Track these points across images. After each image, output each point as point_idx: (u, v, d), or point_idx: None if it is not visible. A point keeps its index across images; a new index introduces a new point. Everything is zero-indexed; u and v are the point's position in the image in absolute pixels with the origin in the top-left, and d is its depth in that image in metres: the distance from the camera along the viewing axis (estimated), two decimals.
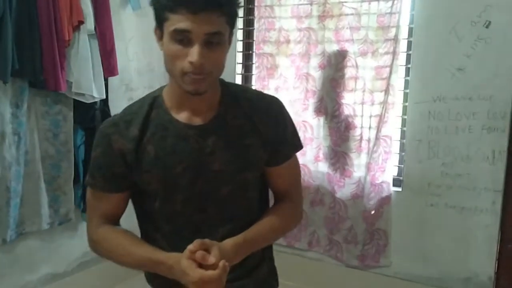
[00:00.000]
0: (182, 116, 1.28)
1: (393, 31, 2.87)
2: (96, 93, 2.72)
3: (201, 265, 1.14)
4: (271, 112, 1.34)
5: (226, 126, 1.29)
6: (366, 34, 2.95)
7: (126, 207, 1.38)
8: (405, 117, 2.97)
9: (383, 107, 2.93)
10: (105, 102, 2.91)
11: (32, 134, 2.59)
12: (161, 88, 1.34)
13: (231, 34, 1.23)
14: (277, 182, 1.41)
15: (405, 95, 2.97)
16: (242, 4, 1.21)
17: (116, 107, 3.07)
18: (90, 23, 2.67)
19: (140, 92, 3.30)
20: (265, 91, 3.21)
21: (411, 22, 2.90)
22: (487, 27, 2.63)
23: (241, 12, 3.46)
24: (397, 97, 2.94)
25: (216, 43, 1.16)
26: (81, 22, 2.62)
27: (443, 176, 2.84)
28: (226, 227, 1.29)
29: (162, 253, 1.23)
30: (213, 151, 1.27)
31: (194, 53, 1.13)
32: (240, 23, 3.48)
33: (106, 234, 1.32)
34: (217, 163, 1.27)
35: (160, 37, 1.21)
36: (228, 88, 1.34)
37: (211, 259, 1.14)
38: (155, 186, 1.28)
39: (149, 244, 1.28)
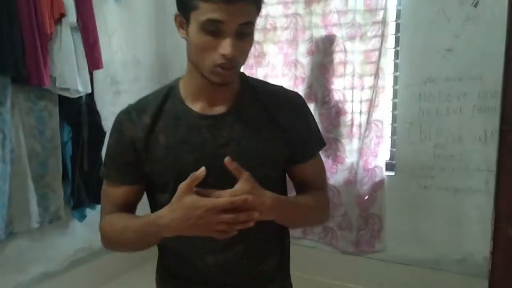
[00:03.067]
0: (197, 106, 1.23)
1: (380, 14, 2.83)
2: (81, 87, 2.66)
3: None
4: (292, 106, 1.29)
5: (243, 117, 1.23)
6: (354, 17, 2.91)
7: (138, 201, 1.32)
8: (396, 100, 2.95)
9: (373, 91, 2.90)
10: (91, 96, 2.85)
11: (17, 132, 2.53)
12: (177, 79, 1.29)
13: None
14: (303, 181, 1.35)
15: (395, 78, 2.95)
16: None
17: (102, 101, 3.03)
18: (72, 16, 2.60)
19: (126, 85, 3.26)
20: None
21: (399, 3, 2.87)
22: (475, 6, 2.61)
23: None
24: (387, 81, 2.91)
25: (247, 34, 1.12)
26: (62, 15, 2.55)
27: (435, 158, 2.83)
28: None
29: (155, 212, 1.15)
30: (227, 142, 1.21)
31: (227, 45, 1.08)
32: None
33: (108, 219, 1.27)
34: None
35: (181, 25, 1.16)
36: (247, 80, 1.30)
37: (236, 187, 1.06)
38: (165, 178, 1.23)
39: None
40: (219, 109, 1.23)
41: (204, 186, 1.15)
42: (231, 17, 1.06)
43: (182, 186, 1.08)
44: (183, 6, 1.13)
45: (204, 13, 1.07)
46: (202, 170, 1.07)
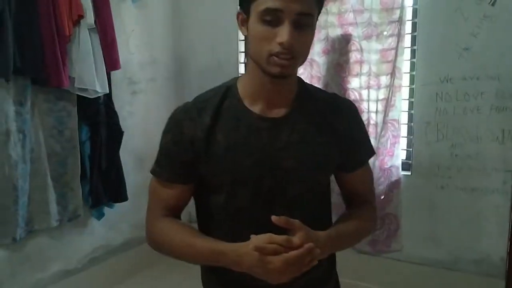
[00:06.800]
0: (256, 108, 1.22)
1: (397, 13, 2.82)
2: (99, 88, 2.69)
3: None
4: (347, 113, 1.29)
5: (301, 122, 1.22)
6: (370, 17, 2.90)
7: (189, 200, 1.31)
8: (413, 99, 2.94)
9: (389, 91, 2.89)
10: (108, 96, 2.89)
11: (37, 132, 2.57)
12: (235, 78, 1.29)
13: (317, 18, 1.18)
14: (354, 188, 1.36)
15: (412, 78, 2.93)
16: None
17: (120, 101, 3.06)
18: (90, 17, 2.64)
19: (143, 85, 3.29)
20: None
21: (415, 2, 2.86)
22: (492, 4, 2.58)
23: None
24: (403, 80, 2.90)
25: (306, 25, 1.11)
26: (80, 17, 2.59)
27: (452, 158, 2.81)
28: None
29: (226, 244, 1.13)
30: (286, 146, 1.20)
31: (284, 33, 1.08)
32: None
33: (166, 226, 1.24)
34: (289, 160, 1.20)
35: (243, 22, 1.16)
36: (304, 85, 1.30)
37: (295, 240, 1.06)
38: (222, 179, 1.21)
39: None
40: (278, 112, 1.22)
41: (260, 190, 1.20)
42: (289, 6, 1.07)
43: (255, 242, 1.07)
44: (243, 1, 1.15)
45: (263, 2, 1.08)
46: (289, 239, 1.07)
